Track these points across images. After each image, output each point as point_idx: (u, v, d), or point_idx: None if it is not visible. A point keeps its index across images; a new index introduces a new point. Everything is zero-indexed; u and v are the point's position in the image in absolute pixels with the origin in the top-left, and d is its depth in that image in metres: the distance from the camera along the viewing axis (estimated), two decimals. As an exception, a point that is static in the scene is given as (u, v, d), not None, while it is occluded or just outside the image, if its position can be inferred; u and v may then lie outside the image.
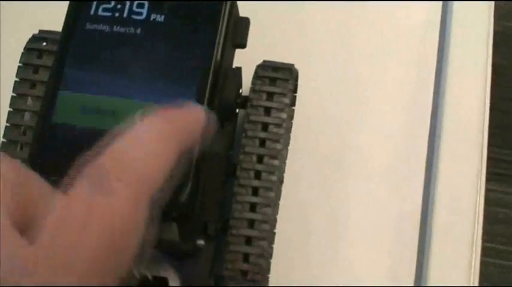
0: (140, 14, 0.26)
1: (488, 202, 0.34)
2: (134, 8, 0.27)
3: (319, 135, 0.33)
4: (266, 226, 0.27)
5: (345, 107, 0.34)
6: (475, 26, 0.36)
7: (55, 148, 0.25)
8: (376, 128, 0.34)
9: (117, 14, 0.26)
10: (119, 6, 0.27)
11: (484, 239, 0.33)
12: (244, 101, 0.29)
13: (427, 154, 0.33)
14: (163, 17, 0.26)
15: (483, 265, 0.34)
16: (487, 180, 0.35)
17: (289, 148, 0.29)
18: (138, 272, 0.27)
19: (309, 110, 0.33)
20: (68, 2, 0.27)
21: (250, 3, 0.30)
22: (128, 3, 0.26)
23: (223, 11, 0.27)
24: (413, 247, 0.32)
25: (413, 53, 0.35)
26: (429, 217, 0.32)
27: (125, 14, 0.26)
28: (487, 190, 0.34)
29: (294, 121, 0.30)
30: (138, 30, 0.26)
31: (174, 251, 0.27)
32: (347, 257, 0.32)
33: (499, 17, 0.38)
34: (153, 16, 0.26)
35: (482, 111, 0.34)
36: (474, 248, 0.32)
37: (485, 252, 0.35)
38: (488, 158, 0.35)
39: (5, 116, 0.29)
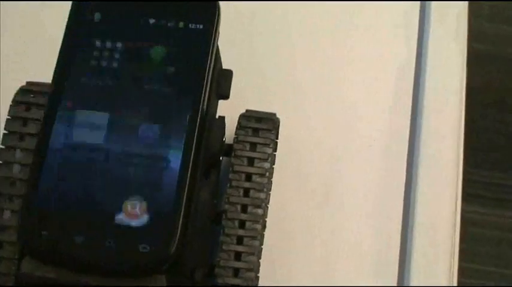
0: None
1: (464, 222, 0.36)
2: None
3: (301, 174, 0.35)
4: (251, 274, 0.28)
5: (326, 145, 0.35)
6: (449, 48, 0.37)
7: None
8: (356, 155, 0.35)
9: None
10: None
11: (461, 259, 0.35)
12: (228, 149, 0.30)
13: (406, 178, 0.35)
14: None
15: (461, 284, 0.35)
16: (463, 201, 0.36)
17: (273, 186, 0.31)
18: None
19: (292, 153, 0.34)
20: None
21: (230, 54, 0.31)
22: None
23: (208, 64, 0.28)
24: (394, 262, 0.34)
25: (390, 83, 0.37)
26: (408, 239, 0.33)
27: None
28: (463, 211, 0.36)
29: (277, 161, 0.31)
30: (127, 84, 0.28)
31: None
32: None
33: (471, 39, 0.40)
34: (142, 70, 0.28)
35: (458, 134, 0.36)
36: (452, 270, 0.34)
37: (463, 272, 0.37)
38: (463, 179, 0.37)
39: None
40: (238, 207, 0.28)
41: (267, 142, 0.29)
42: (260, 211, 0.28)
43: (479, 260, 0.83)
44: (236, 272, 0.28)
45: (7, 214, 0.28)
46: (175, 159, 0.26)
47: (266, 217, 0.30)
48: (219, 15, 0.29)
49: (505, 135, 0.89)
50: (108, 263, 0.25)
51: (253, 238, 0.28)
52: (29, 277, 0.26)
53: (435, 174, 0.35)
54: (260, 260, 0.28)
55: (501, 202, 0.86)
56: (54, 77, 0.28)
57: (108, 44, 0.28)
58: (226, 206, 0.28)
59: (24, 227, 0.26)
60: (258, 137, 0.29)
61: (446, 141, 0.36)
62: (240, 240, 0.28)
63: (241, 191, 0.29)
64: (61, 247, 0.25)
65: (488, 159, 0.86)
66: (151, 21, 0.28)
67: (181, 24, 0.29)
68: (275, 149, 0.31)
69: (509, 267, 0.85)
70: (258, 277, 0.29)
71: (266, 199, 0.29)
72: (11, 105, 0.30)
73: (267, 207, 0.29)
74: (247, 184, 0.29)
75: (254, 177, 0.29)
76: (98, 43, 0.28)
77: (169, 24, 0.28)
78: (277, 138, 0.31)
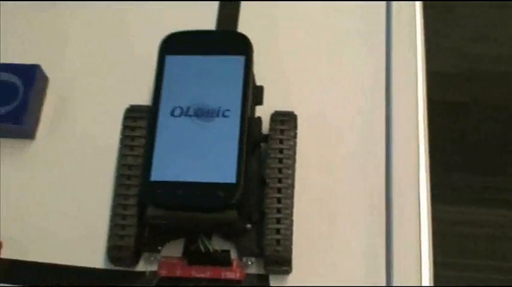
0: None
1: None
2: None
3: (312, 154, 0.50)
4: (287, 211, 0.43)
5: (329, 136, 0.51)
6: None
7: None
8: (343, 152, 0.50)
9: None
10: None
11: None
12: (265, 137, 0.46)
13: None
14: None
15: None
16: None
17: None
18: (205, 246, 0.43)
19: (305, 140, 0.49)
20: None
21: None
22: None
23: (249, 84, 0.44)
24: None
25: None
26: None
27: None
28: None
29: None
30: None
31: (232, 231, 0.44)
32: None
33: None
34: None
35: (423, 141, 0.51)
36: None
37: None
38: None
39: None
40: (276, 170, 0.44)
41: (290, 128, 0.45)
42: (290, 171, 0.44)
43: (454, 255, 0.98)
44: (279, 210, 0.43)
45: (128, 188, 0.44)
46: (234, 142, 0.42)
47: (294, 178, 0.45)
48: (252, 47, 0.45)
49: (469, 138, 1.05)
50: (201, 204, 0.41)
51: (287, 188, 0.44)
52: (152, 218, 0.41)
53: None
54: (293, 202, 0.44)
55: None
56: (153, 97, 0.44)
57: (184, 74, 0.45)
58: (268, 170, 0.44)
59: (147, 189, 0.41)
60: (284, 126, 0.45)
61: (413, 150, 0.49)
62: (279, 190, 0.43)
63: (277, 161, 0.44)
64: (171, 198, 0.41)
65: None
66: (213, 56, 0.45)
67: (227, 56, 0.45)
68: (295, 135, 0.47)
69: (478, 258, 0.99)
70: (292, 220, 0.44)
71: (292, 164, 0.44)
72: (123, 119, 0.46)
73: (294, 170, 0.45)
74: (280, 155, 0.44)
75: (284, 151, 0.44)
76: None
77: (221, 57, 0.45)
78: (296, 127, 0.47)
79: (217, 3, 0.55)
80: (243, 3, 0.55)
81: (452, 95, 1.10)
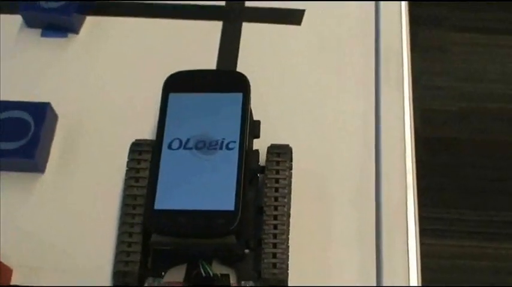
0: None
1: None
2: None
3: (306, 184, 0.53)
4: (283, 236, 0.46)
5: (322, 168, 0.54)
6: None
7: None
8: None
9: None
10: None
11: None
12: (262, 169, 0.49)
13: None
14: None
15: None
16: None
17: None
18: (206, 271, 0.46)
19: (300, 171, 0.52)
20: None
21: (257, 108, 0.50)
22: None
23: (247, 119, 0.47)
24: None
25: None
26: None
27: None
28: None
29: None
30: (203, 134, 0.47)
31: (231, 256, 0.46)
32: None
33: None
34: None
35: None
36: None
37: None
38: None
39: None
40: (272, 199, 0.47)
41: (285, 160, 0.48)
42: (285, 200, 0.47)
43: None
44: (275, 235, 0.46)
45: (134, 217, 0.47)
46: (233, 173, 0.45)
47: (290, 206, 0.48)
48: (249, 85, 0.48)
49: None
50: (201, 230, 0.43)
51: (283, 215, 0.46)
52: (156, 244, 0.44)
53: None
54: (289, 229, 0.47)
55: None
56: (157, 131, 0.47)
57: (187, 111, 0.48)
58: (265, 199, 0.47)
59: (151, 217, 0.44)
60: (280, 158, 0.48)
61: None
62: (275, 217, 0.46)
63: (273, 190, 0.47)
64: (174, 225, 0.44)
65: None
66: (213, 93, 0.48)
67: (226, 94, 0.48)
68: (291, 167, 0.50)
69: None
70: (288, 246, 0.47)
71: (288, 193, 0.47)
72: (129, 152, 0.49)
73: (290, 199, 0.48)
74: (276, 185, 0.47)
75: (280, 181, 0.47)
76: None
77: (221, 94, 0.48)
78: (291, 159, 0.50)
79: (218, 43, 0.59)
80: (241, 44, 0.60)
81: (445, 132, 1.14)
